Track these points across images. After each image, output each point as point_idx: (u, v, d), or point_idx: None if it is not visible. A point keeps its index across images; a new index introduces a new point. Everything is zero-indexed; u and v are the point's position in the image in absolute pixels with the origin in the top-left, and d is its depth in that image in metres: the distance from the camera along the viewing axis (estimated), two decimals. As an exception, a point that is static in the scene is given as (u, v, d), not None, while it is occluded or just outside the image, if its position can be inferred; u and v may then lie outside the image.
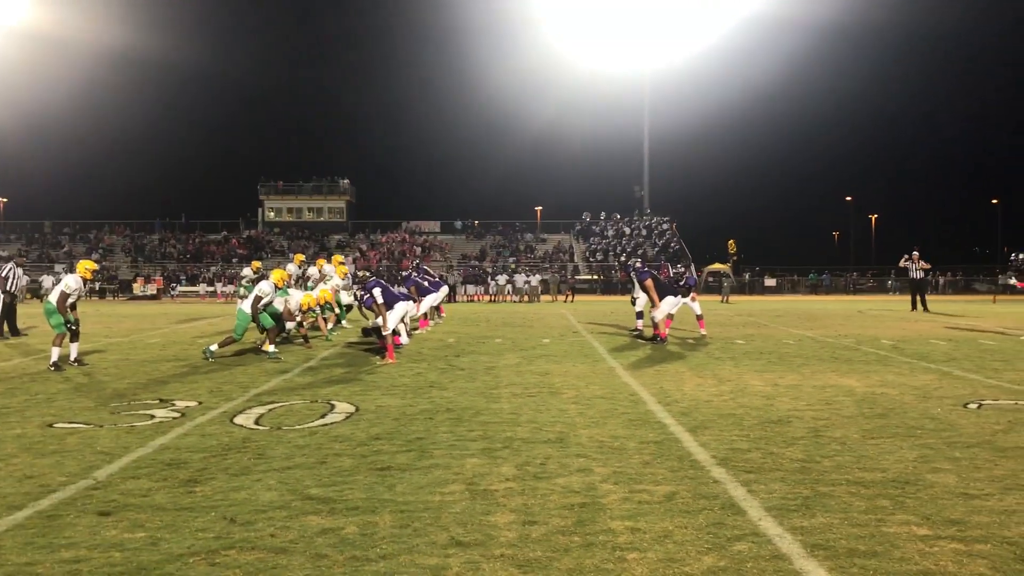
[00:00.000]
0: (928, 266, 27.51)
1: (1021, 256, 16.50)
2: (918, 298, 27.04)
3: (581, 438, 6.62)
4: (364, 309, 14.10)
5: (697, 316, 16.47)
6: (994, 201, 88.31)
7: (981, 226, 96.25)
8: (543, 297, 42.28)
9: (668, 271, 18.47)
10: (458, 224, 65.30)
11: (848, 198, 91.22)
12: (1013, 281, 15.38)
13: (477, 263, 55.72)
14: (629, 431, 6.89)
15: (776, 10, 59.67)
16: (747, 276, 57.46)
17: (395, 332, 12.64)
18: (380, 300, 12.01)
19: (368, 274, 15.13)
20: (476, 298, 45.02)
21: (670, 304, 15.17)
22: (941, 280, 56.41)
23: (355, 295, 15.21)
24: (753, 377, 10.21)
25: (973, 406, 8.00)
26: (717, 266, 56.06)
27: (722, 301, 37.72)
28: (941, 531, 4.28)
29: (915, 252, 26.61)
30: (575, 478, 5.38)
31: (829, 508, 4.70)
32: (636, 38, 61.62)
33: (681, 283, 16.10)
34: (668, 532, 4.30)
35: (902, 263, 27.38)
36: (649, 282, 15.14)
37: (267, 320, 12.68)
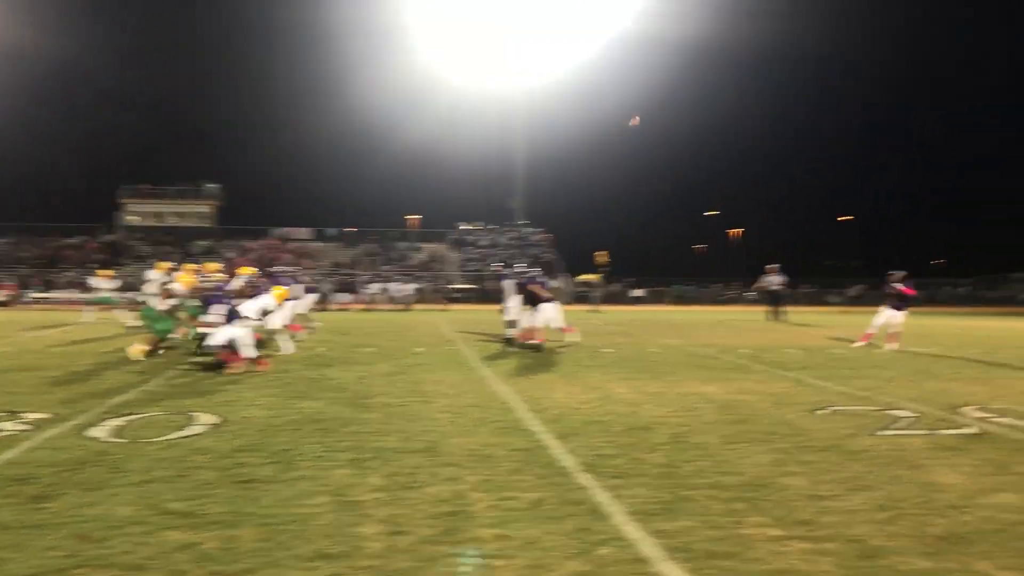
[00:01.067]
0: (785, 279, 28.98)
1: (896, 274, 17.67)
2: (775, 309, 28.39)
3: (451, 447, 6.62)
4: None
5: (558, 328, 16.52)
6: (849, 218, 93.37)
7: (835, 241, 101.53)
8: (417, 306, 42.13)
9: (541, 281, 18.74)
10: (331, 231, 64.38)
11: (714, 212, 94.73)
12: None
13: (350, 271, 55.03)
14: (499, 439, 6.94)
15: (645, 29, 61.49)
16: (617, 286, 58.84)
17: (231, 347, 11.94)
18: (215, 319, 11.53)
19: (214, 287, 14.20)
20: (349, 307, 44.43)
21: (547, 312, 15.40)
22: (798, 291, 59.13)
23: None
24: (620, 385, 10.45)
25: (824, 412, 8.43)
26: (589, 276, 57.17)
27: (593, 311, 38.47)
28: (792, 531, 4.49)
29: (774, 267, 28.03)
30: (444, 487, 5.38)
31: (689, 512, 4.86)
32: (512, 52, 62.35)
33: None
34: (535, 539, 4.36)
35: (758, 283, 28.81)
36: (532, 287, 15.51)
37: (165, 325, 12.20)
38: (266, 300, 12.54)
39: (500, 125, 68.18)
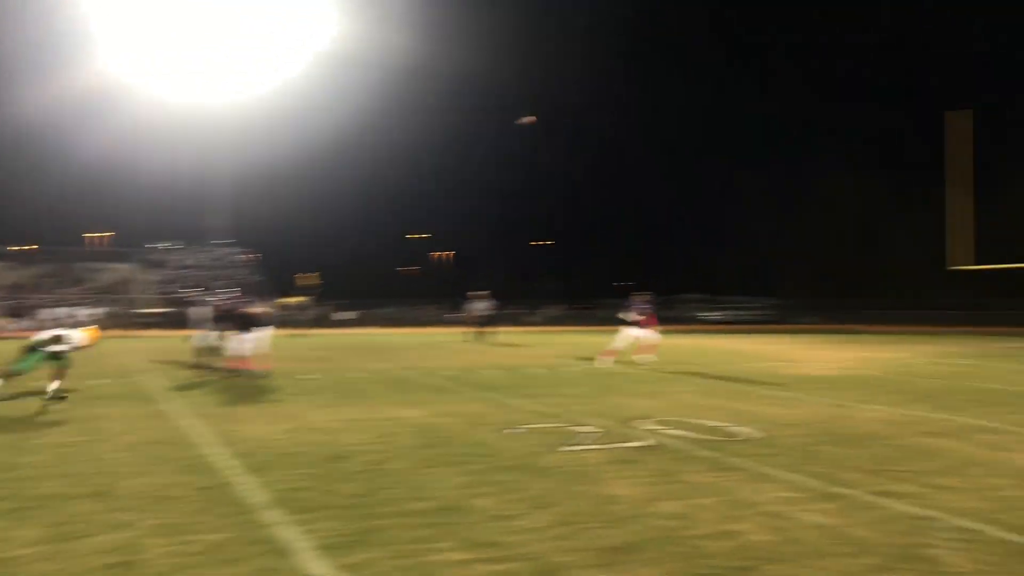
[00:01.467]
0: (493, 304, 30.24)
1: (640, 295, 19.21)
2: (482, 331, 29.49)
3: (127, 489, 6.09)
4: None
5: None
6: (550, 243, 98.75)
7: (537, 263, 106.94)
8: (103, 332, 38.86)
9: (247, 304, 17.92)
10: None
11: (426, 235, 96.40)
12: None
13: (23, 295, 49.73)
14: (182, 477, 6.49)
15: (353, 48, 61.41)
16: (324, 309, 58.01)
17: None
18: None
19: None
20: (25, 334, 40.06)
21: (253, 338, 14.81)
22: (503, 313, 61.48)
23: None
24: (318, 413, 10.22)
25: (516, 431, 8.74)
26: (296, 299, 55.89)
27: (299, 335, 37.56)
28: (478, 554, 4.56)
29: (481, 293, 29.30)
30: (115, 535, 4.92)
31: (379, 542, 4.80)
32: (212, 65, 59.70)
33: (258, 316, 15.71)
34: (212, 585, 4.09)
35: (466, 311, 29.80)
36: (245, 310, 14.89)
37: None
38: None
39: (200, 142, 65.11)
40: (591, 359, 19.07)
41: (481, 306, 29.51)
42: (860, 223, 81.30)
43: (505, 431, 8.74)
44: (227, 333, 15.53)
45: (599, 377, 15.14)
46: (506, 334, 32.13)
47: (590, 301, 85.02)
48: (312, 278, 53.12)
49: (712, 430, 8.86)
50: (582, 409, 10.51)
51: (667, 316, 35.59)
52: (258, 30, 56.29)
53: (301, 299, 52.64)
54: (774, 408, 10.70)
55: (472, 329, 30.61)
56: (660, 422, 9.38)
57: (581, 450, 7.61)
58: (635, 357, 18.43)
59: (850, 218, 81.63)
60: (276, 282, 59.75)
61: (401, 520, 5.26)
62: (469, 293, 29.67)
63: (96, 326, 12.96)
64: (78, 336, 11.60)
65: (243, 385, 13.49)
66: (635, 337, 18.45)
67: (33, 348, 11.26)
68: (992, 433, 8.72)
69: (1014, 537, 4.86)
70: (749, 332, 44.86)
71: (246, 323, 15.01)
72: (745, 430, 8.84)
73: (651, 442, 8.05)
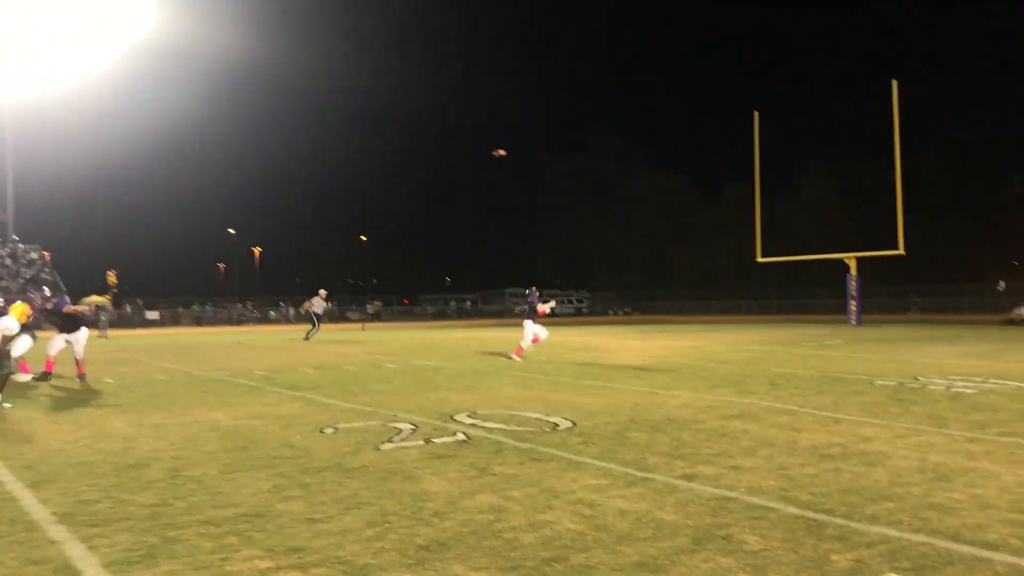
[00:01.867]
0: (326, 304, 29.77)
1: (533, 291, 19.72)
2: (314, 328, 29.02)
3: None
4: None
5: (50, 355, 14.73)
6: (363, 238, 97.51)
7: (350, 260, 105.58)
8: None
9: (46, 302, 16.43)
10: None
11: (232, 230, 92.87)
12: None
13: None
14: (-48, 496, 5.88)
15: (166, 41, 58.27)
16: (128, 308, 54.90)
17: None
18: None
19: None
20: None
21: (66, 339, 13.79)
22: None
23: None
24: (116, 418, 9.58)
25: (329, 431, 8.50)
26: (95, 298, 52.50)
27: (100, 336, 35.31)
28: (283, 561, 4.36)
29: (321, 291, 28.96)
30: None
31: (175, 554, 4.49)
32: (10, 58, 55.12)
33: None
34: (-21, 614, 3.69)
35: (308, 304, 29.30)
36: (68, 310, 13.81)
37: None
38: None
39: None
40: (411, 355, 18.95)
41: (318, 303, 29.01)
42: (671, 218, 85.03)
43: (324, 431, 8.49)
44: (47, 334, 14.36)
45: (417, 373, 15.04)
46: (325, 331, 31.40)
47: (412, 298, 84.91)
48: (112, 276, 49.95)
49: (528, 421, 8.94)
50: (398, 406, 10.37)
51: (489, 311, 35.94)
52: (64, 21, 52.40)
53: (103, 299, 49.46)
54: (588, 398, 10.95)
55: (309, 326, 30.04)
56: (477, 416, 9.38)
57: (395, 448, 7.48)
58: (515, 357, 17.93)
59: (661, 213, 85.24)
60: (76, 281, 56.05)
61: (202, 529, 4.96)
62: (322, 291, 29.22)
63: None
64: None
65: (37, 391, 12.48)
66: (535, 329, 18.22)
67: None
68: (787, 415, 9.26)
69: (804, 512, 5.13)
70: (566, 324, 46.03)
71: (70, 324, 13.92)
72: (560, 420, 8.98)
73: (467, 436, 8.02)
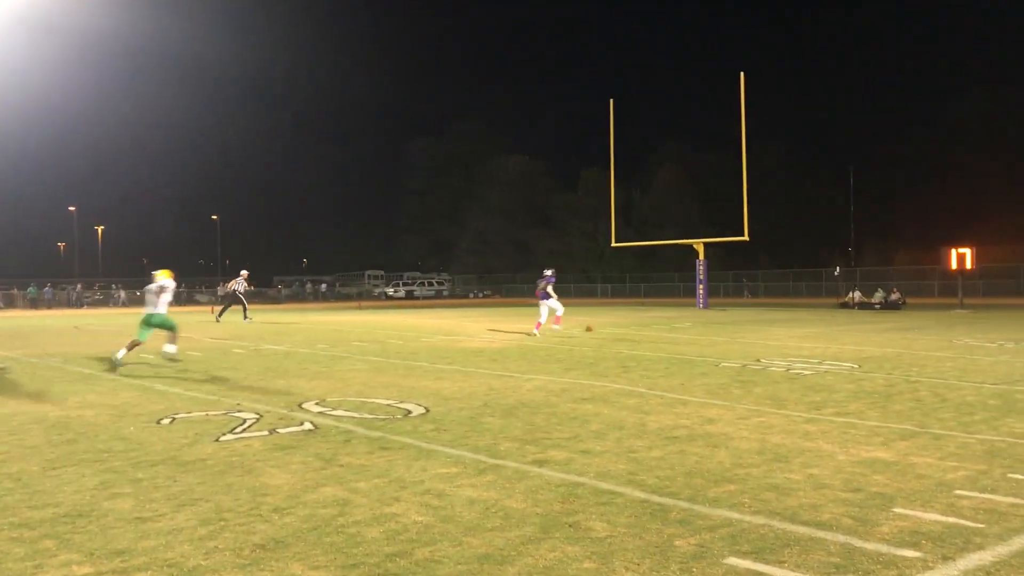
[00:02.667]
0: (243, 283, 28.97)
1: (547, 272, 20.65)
2: (224, 308, 28.74)
3: None
4: None
5: None
6: (214, 217, 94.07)
7: (201, 240, 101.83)
8: None
9: None
10: None
11: (71, 208, 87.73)
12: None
13: None
14: None
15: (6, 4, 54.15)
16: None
17: None
18: None
19: None
20: None
21: None
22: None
23: None
24: (-73, 411, 8.79)
25: (166, 421, 8.05)
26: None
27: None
28: (103, 565, 4.04)
29: (243, 272, 28.34)
30: None
31: (-19, 563, 4.09)
32: None
33: None
34: None
35: (230, 285, 28.82)
36: None
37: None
38: None
39: None
40: (261, 339, 18.35)
41: (238, 283, 28.38)
42: (530, 202, 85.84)
43: (155, 422, 8.03)
44: None
45: (266, 359, 14.54)
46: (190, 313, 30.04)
47: (267, 280, 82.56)
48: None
49: (379, 409, 8.74)
50: (244, 394, 9.96)
51: (347, 293, 35.33)
52: None
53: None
54: (443, 383, 10.83)
55: (220, 307, 29.25)
56: (326, 404, 9.11)
57: (236, 439, 7.14)
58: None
59: (520, 197, 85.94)
60: None
61: (14, 533, 4.55)
62: (244, 272, 28.60)
63: None
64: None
65: None
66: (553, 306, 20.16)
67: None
68: (637, 397, 9.41)
69: (650, 496, 5.17)
70: (426, 307, 45.81)
71: None
72: (413, 407, 8.83)
73: (314, 426, 7.75)
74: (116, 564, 4.06)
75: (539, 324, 20.03)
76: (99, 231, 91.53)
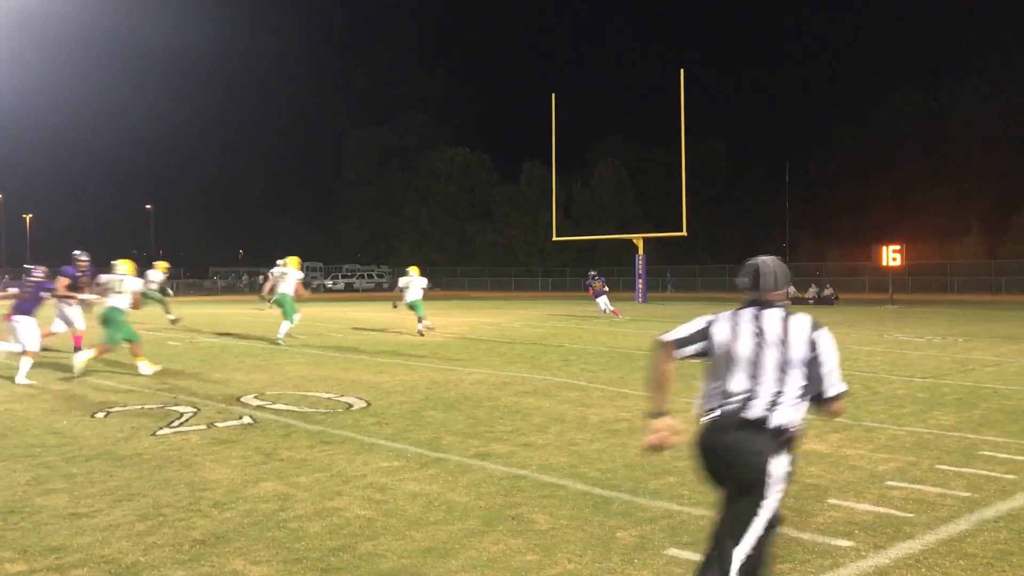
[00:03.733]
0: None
1: (592, 274, 26.34)
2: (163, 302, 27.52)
3: None
4: None
5: None
6: (148, 206, 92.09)
7: (135, 230, 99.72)
8: None
9: None
10: None
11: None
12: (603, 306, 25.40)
13: None
14: None
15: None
16: None
17: None
18: None
19: None
20: None
21: None
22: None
23: None
24: None
25: (101, 415, 7.88)
26: None
27: None
28: (38, 562, 3.95)
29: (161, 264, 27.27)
30: None
31: (-93, 562, 3.98)
32: None
33: None
34: None
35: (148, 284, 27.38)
36: None
37: None
38: None
39: None
40: (197, 332, 18.06)
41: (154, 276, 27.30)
42: (471, 195, 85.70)
43: (89, 416, 7.85)
44: None
45: (202, 352, 14.31)
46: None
47: (203, 271, 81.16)
48: None
49: (319, 402, 8.68)
50: (180, 387, 9.80)
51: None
52: None
53: None
54: (384, 376, 10.78)
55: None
56: (265, 397, 9.01)
57: (173, 433, 7.03)
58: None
59: (462, 190, 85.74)
60: None
61: (-58, 531, 4.43)
62: (161, 264, 27.32)
63: None
64: None
65: None
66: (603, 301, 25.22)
67: None
68: (578, 390, 9.49)
69: (591, 489, 5.24)
70: (364, 300, 45.48)
71: None
72: (354, 400, 8.78)
73: (253, 419, 7.67)
74: (51, 561, 3.98)
75: (616, 311, 25.23)
76: (27, 219, 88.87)
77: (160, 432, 7.05)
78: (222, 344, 15.62)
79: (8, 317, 10.48)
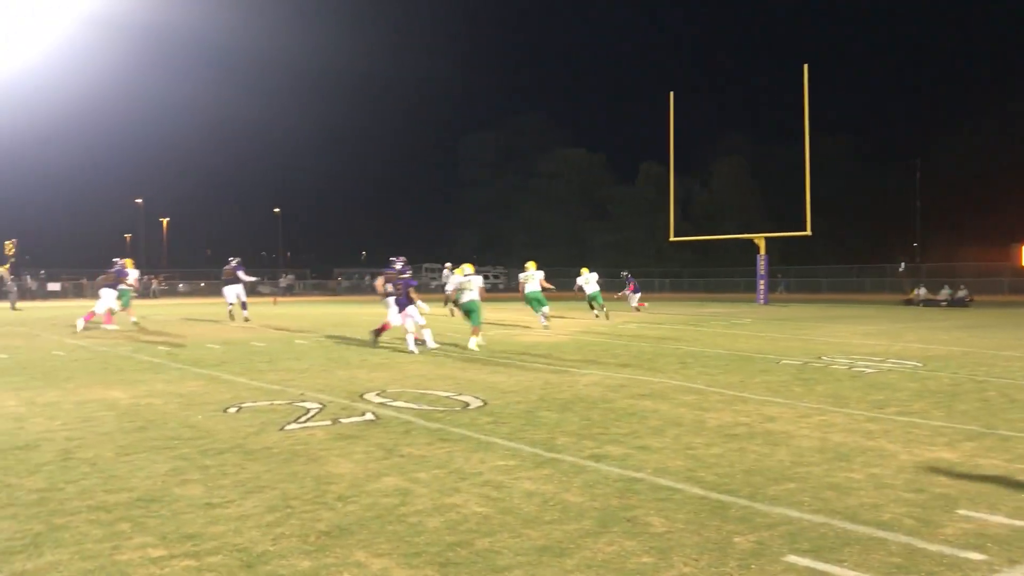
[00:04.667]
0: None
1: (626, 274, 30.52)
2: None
3: None
4: None
5: None
6: (276, 210, 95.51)
7: (265, 231, 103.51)
8: None
9: None
10: None
11: (138, 200, 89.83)
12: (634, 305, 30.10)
13: None
14: None
15: (72, 2, 55.78)
16: (29, 280, 52.71)
17: None
18: None
19: None
20: None
21: None
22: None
23: None
24: (7, 396, 9.15)
25: (233, 410, 8.27)
26: (-6, 269, 50.33)
27: (12, 308, 33.85)
28: (176, 549, 4.19)
29: (235, 259, 28.26)
30: None
31: (62, 543, 4.28)
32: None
33: None
34: None
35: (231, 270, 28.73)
36: None
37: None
38: None
39: None
40: (322, 331, 18.64)
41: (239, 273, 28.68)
42: (587, 195, 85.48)
43: (222, 411, 8.25)
44: None
45: (327, 350, 14.78)
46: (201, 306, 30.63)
47: (327, 272, 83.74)
48: (9, 246, 47.53)
49: (438, 400, 8.86)
50: (307, 384, 10.17)
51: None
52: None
53: (2, 269, 47.28)
54: (499, 376, 10.91)
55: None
56: (387, 395, 9.25)
57: (301, 428, 7.31)
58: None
59: (578, 191, 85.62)
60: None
61: (92, 515, 4.74)
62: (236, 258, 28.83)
63: None
64: None
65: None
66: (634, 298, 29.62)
67: None
68: (695, 394, 9.39)
69: (709, 493, 5.18)
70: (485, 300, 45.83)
71: None
72: (471, 399, 8.92)
73: (375, 416, 7.89)
74: (188, 548, 4.21)
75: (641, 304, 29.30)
76: (164, 223, 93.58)
77: (288, 427, 7.34)
78: (346, 343, 16.10)
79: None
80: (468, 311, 15.43)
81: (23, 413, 8.13)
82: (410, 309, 14.23)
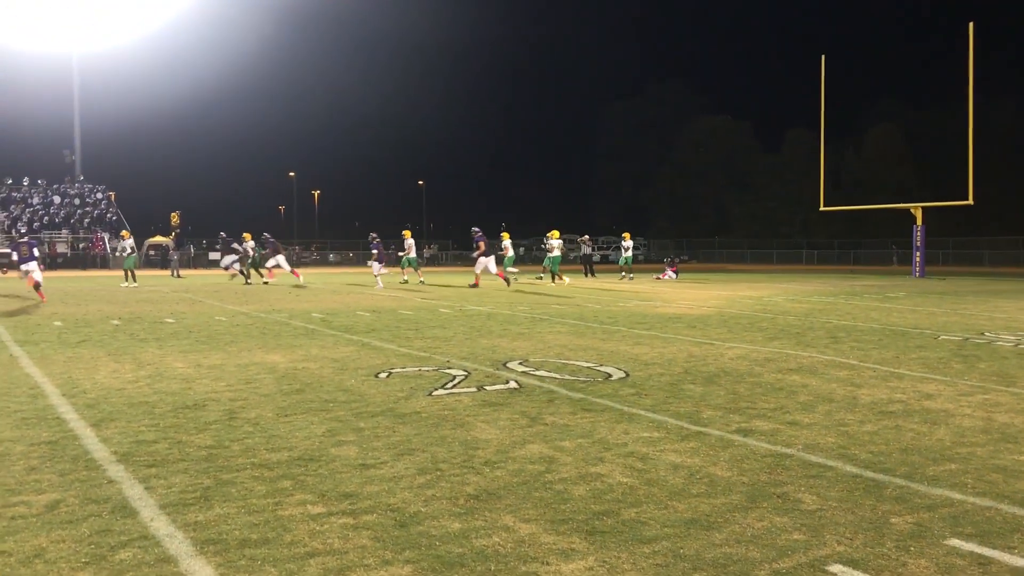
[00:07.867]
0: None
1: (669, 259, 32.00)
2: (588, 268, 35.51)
3: (-48, 447, 5.62)
4: None
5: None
6: (420, 183, 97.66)
7: (410, 203, 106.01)
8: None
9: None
10: None
11: (291, 173, 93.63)
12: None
13: None
14: (19, 432, 6.05)
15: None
16: (191, 249, 55.89)
17: None
18: None
19: None
20: None
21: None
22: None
23: None
24: (176, 359, 9.77)
25: (383, 375, 8.55)
26: (159, 239, 53.64)
27: (173, 275, 36.10)
28: (334, 507, 4.39)
29: (586, 236, 31.94)
30: (-67, 498, 4.50)
31: (229, 497, 4.55)
32: (69, 18, 56.07)
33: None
34: (41, 550, 3.77)
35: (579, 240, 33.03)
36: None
37: None
38: None
39: (56, 80, 61.40)
40: (465, 300, 18.97)
41: (584, 246, 32.26)
42: (730, 165, 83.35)
43: (379, 375, 8.54)
44: None
45: (470, 319, 15.05)
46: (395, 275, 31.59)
47: (468, 243, 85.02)
48: (175, 217, 50.42)
49: (580, 371, 8.89)
50: (452, 352, 10.39)
51: (542, 256, 35.79)
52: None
53: (167, 239, 50.23)
54: (641, 347, 10.84)
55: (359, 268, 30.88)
56: (529, 364, 9.36)
57: (448, 394, 7.49)
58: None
59: (721, 160, 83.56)
60: (140, 222, 57.24)
61: (256, 472, 5.03)
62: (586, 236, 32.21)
63: None
64: None
65: (89, 330, 12.78)
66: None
67: None
68: (847, 369, 9.07)
69: (863, 472, 5.01)
70: (617, 271, 45.56)
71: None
72: (613, 370, 8.92)
73: (519, 384, 8.00)
74: (345, 506, 4.40)
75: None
76: (315, 195, 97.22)
77: (435, 393, 7.54)
78: (487, 312, 16.36)
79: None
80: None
81: (191, 374, 8.67)
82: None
